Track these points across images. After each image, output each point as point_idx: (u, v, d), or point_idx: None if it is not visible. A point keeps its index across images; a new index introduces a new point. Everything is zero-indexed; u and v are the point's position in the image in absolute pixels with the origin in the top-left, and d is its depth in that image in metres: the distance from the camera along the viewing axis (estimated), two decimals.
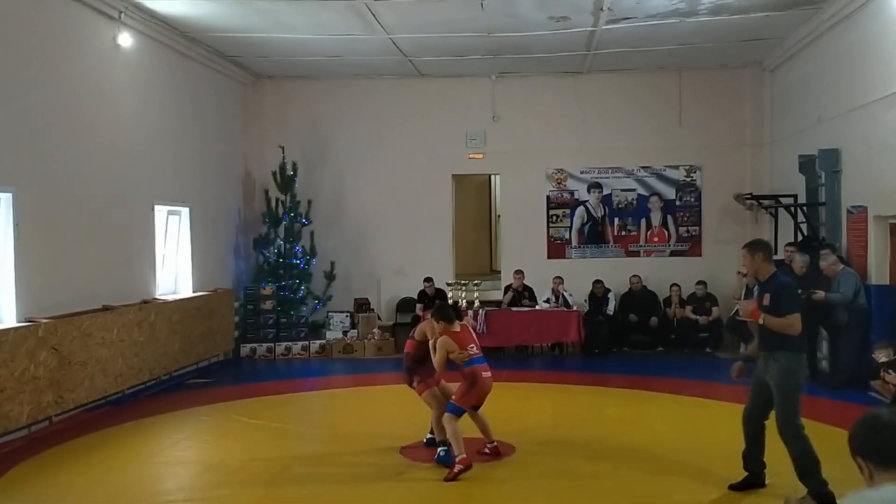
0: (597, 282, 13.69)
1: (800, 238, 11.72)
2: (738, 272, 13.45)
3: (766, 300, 5.98)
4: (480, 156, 14.79)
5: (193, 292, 12.25)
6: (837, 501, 7.28)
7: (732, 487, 6.18)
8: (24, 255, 8.35)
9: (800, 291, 10.05)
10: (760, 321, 5.94)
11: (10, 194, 8.22)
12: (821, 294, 9.81)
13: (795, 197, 12.30)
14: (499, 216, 17.04)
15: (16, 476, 6.82)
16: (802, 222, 11.83)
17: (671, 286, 13.62)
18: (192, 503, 6.21)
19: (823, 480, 5.78)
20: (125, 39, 10.40)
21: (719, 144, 14.37)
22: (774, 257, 12.11)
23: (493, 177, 17.79)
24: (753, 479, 6.18)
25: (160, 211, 11.55)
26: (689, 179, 14.58)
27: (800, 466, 5.86)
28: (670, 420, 8.70)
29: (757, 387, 6.11)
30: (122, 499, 6.24)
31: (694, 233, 14.59)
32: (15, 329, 7.94)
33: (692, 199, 14.60)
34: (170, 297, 11.48)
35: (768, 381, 5.96)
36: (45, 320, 8.34)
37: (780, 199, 12.85)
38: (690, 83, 14.37)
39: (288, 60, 13.48)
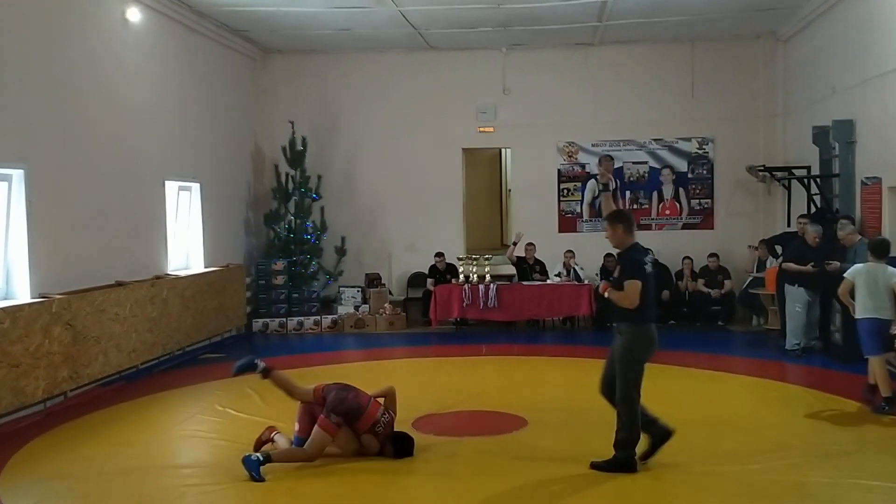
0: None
1: (813, 210, 11.64)
2: (750, 245, 13.47)
3: (617, 272, 6.19)
4: (491, 129, 14.71)
5: (205, 268, 12.29)
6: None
7: (644, 458, 6.07)
8: (38, 232, 8.39)
9: (812, 264, 10.15)
10: (606, 294, 6.08)
11: (23, 171, 8.24)
12: (836, 265, 9.77)
13: (809, 168, 12.20)
14: (509, 190, 16.98)
15: (32, 450, 6.89)
16: (816, 194, 11.75)
17: (683, 259, 13.57)
18: (206, 476, 6.25)
19: (633, 456, 5.95)
20: (134, 14, 10.36)
21: (732, 116, 14.24)
22: (788, 229, 12.19)
23: (503, 150, 17.71)
24: (656, 439, 6.10)
25: (171, 186, 11.56)
26: (701, 152, 14.48)
27: (620, 438, 5.96)
28: (681, 393, 8.69)
29: (609, 359, 6.15)
30: (137, 472, 6.30)
31: (706, 205, 14.50)
32: (29, 305, 7.98)
33: (704, 172, 14.50)
34: (182, 273, 11.52)
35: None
36: (58, 296, 8.39)
37: (794, 170, 12.76)
38: (703, 54, 14.21)
39: (297, 34, 13.40)
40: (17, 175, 8.23)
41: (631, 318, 5.95)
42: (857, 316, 7.81)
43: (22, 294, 8.25)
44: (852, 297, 7.89)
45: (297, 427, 6.42)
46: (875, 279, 7.66)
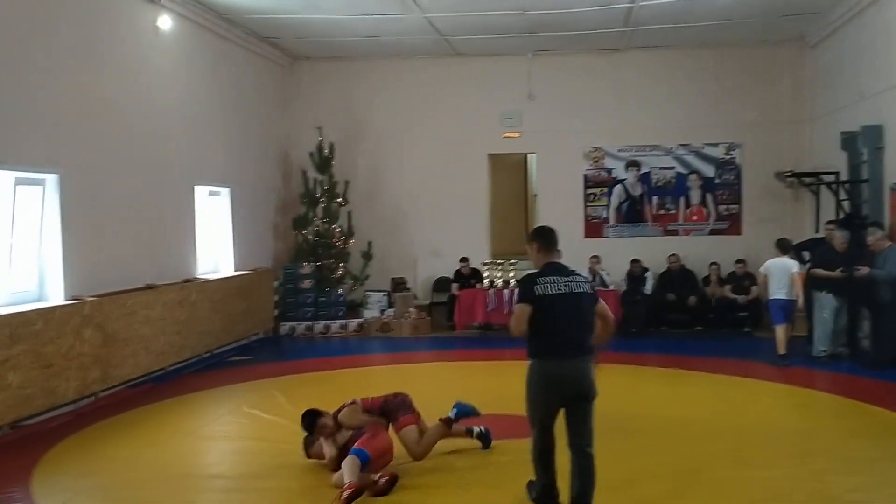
0: (634, 261, 13.62)
1: (842, 216, 11.54)
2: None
3: None
4: (516, 135, 14.75)
5: (234, 272, 12.44)
6: None
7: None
8: (71, 235, 8.58)
9: (840, 269, 10.06)
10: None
11: (57, 176, 8.42)
12: (864, 270, 9.69)
13: (837, 174, 12.10)
14: (535, 195, 16.98)
15: (64, 449, 7.02)
16: (844, 200, 11.64)
17: (710, 265, 13.50)
18: (233, 478, 6.34)
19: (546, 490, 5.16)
20: (165, 22, 10.55)
21: (760, 121, 14.16)
22: (816, 235, 12.07)
23: (529, 156, 17.71)
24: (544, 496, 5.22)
25: (201, 191, 11.72)
26: (728, 157, 14.41)
27: (537, 475, 5.20)
28: (707, 399, 8.66)
29: None
30: (165, 472, 6.40)
31: (733, 211, 14.42)
32: (62, 307, 8.16)
33: (732, 177, 14.42)
34: (211, 277, 11.67)
35: None
36: (90, 298, 8.55)
37: (822, 176, 12.65)
38: (730, 59, 14.16)
39: (324, 41, 13.54)
40: (51, 180, 8.42)
41: (528, 350, 5.08)
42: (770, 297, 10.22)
43: (55, 296, 8.43)
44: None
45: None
46: (782, 270, 10.08)
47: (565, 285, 5.01)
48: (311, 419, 6.29)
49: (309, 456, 6.36)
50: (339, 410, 6.30)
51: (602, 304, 5.23)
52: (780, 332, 10.14)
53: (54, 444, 7.15)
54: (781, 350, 10.09)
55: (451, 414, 6.53)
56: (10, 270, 8.12)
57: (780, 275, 10.07)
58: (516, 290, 5.15)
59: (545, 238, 5.29)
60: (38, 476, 6.25)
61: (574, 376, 4.97)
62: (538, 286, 4.98)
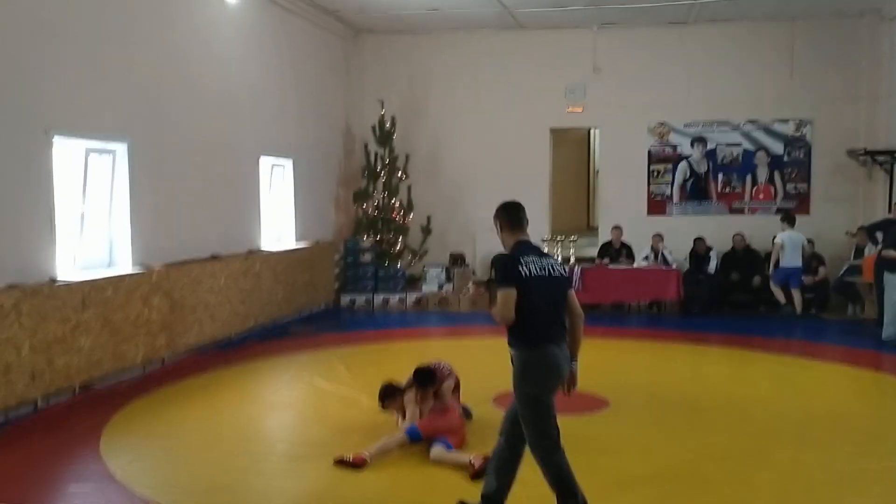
0: (698, 239, 13.37)
1: None
2: (848, 232, 13.00)
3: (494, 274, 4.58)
4: (580, 109, 14.55)
5: (296, 243, 12.60)
6: None
7: None
8: (138, 204, 8.79)
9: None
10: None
11: (126, 145, 8.62)
12: None
13: None
14: (597, 171, 16.79)
15: (131, 411, 7.25)
16: None
17: (773, 239, 13.17)
18: (295, 444, 6.47)
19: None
20: None
21: (832, 97, 13.70)
22: (889, 215, 11.69)
23: (592, 130, 17.49)
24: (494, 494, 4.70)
25: (265, 163, 11.88)
26: (798, 134, 14.00)
27: (560, 490, 4.52)
28: (770, 380, 8.51)
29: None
30: (227, 436, 6.55)
31: (802, 190, 14.03)
32: (130, 275, 8.38)
33: (801, 155, 14.02)
34: (274, 248, 11.84)
35: None
36: (158, 267, 8.77)
37: None
38: (804, 33, 13.71)
39: (387, 14, 13.52)
40: (121, 149, 8.62)
41: (516, 339, 4.50)
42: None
43: (124, 264, 8.66)
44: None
45: (404, 421, 6.29)
46: (796, 241, 12.08)
47: (544, 268, 4.53)
48: (389, 393, 6.45)
49: (384, 408, 6.49)
50: (435, 377, 6.35)
51: (573, 294, 4.69)
52: (779, 292, 12.28)
53: (122, 406, 7.37)
54: (783, 301, 12.27)
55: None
56: (81, 238, 8.36)
57: (794, 246, 12.03)
58: (494, 272, 4.47)
59: (511, 214, 4.76)
60: (106, 436, 6.46)
61: (565, 365, 4.56)
62: (522, 267, 4.45)
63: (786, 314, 12.21)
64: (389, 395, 6.45)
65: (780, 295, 12.29)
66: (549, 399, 4.51)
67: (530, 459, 4.60)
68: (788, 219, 12.26)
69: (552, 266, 4.58)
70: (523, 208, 4.83)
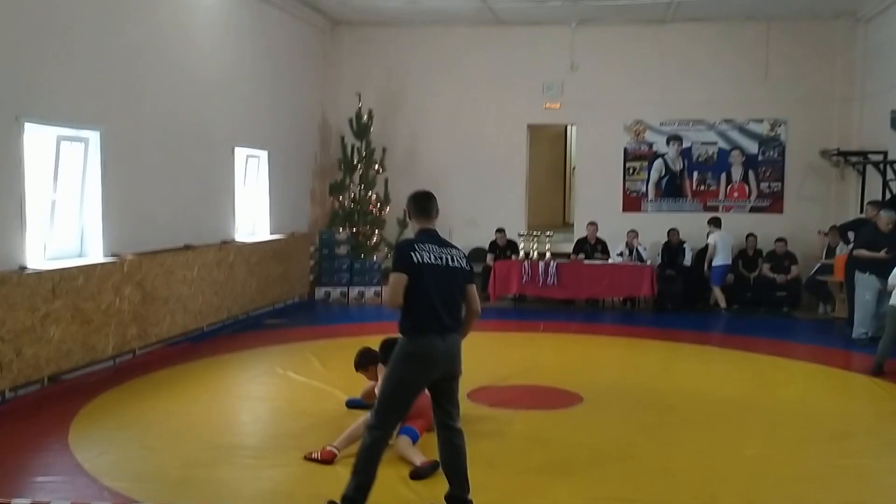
0: (672, 230, 13.44)
1: (888, 196, 11.30)
2: (820, 231, 13.14)
3: None
4: (557, 106, 14.58)
5: (270, 235, 12.52)
6: None
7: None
8: (111, 193, 8.68)
9: (885, 250, 9.84)
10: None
11: (99, 133, 8.51)
12: None
13: (885, 154, 11.83)
14: (574, 168, 16.84)
15: (101, 403, 7.15)
16: (892, 180, 11.41)
17: (747, 236, 13.35)
18: (265, 437, 6.44)
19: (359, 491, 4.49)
20: None
21: (807, 98, 13.84)
22: (860, 215, 11.83)
23: (569, 127, 17.53)
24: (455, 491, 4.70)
25: (240, 154, 11.78)
26: (773, 134, 14.12)
27: (356, 468, 4.52)
28: (742, 377, 8.58)
29: None
30: (197, 429, 6.48)
31: (776, 189, 14.17)
32: (102, 264, 8.27)
33: (775, 154, 14.15)
34: (248, 239, 11.76)
35: None
36: (130, 256, 8.67)
37: (869, 155, 12.38)
38: (779, 34, 13.81)
39: (366, 6, 13.45)
40: (94, 137, 8.51)
41: (401, 324, 4.58)
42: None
43: (95, 253, 8.55)
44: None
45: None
46: (726, 241, 12.89)
47: (441, 257, 4.58)
48: (366, 357, 6.60)
49: (359, 370, 6.66)
50: None
51: (472, 289, 4.73)
52: (719, 291, 12.90)
53: (92, 397, 7.28)
54: (723, 304, 12.82)
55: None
56: (52, 227, 8.24)
57: (724, 245, 12.83)
58: (390, 256, 4.57)
59: (418, 203, 4.81)
60: (75, 428, 6.37)
61: (450, 354, 4.57)
62: (415, 253, 4.51)
63: (717, 311, 12.81)
64: (367, 359, 6.58)
65: (721, 297, 12.87)
66: (412, 390, 4.59)
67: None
68: (715, 221, 13.07)
69: (452, 257, 4.63)
70: (433, 198, 4.90)
